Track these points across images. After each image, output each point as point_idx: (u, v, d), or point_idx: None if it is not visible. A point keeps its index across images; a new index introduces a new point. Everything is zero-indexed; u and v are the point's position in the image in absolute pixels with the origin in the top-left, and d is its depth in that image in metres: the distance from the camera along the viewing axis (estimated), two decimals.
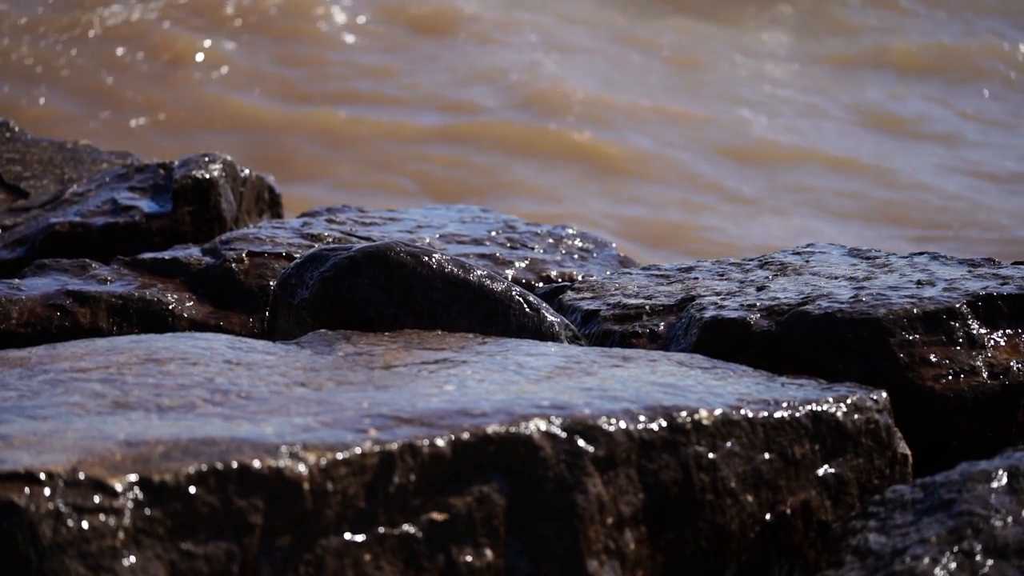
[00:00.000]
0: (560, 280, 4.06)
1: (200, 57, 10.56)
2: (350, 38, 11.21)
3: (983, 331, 3.08)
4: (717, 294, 3.34)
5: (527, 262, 4.14)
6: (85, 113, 9.81)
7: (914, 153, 10.58)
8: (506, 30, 11.64)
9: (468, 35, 11.48)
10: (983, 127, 11.16)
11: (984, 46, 12.38)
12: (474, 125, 10.24)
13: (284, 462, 2.21)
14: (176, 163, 4.58)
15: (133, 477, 2.14)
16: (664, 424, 2.49)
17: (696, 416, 2.52)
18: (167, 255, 3.99)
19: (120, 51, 10.50)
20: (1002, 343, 3.08)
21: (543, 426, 2.40)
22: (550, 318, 3.19)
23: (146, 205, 4.43)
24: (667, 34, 12.13)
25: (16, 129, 5.39)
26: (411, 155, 9.78)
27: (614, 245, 4.47)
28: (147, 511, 2.13)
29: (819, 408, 2.66)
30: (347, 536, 2.24)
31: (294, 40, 11.07)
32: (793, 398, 2.66)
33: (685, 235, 9.06)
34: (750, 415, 2.58)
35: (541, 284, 4.00)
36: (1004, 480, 2.56)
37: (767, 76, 11.66)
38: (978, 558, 2.39)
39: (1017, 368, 3.04)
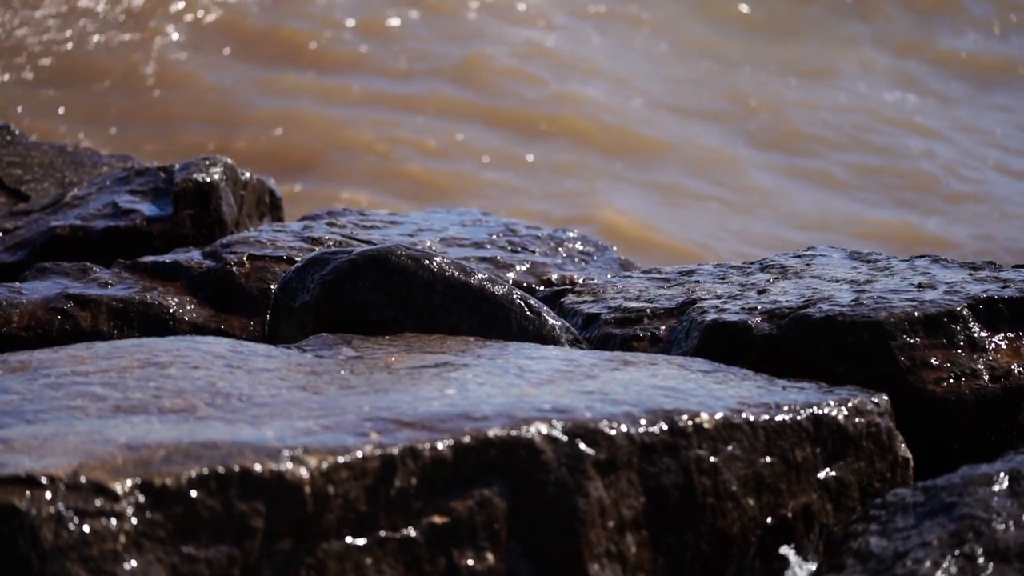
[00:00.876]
0: (561, 283, 4.06)
1: (176, 32, 10.53)
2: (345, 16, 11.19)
3: (984, 334, 3.08)
4: (718, 297, 3.34)
5: (528, 265, 4.14)
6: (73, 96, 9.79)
7: (918, 142, 10.58)
8: (507, 9, 11.60)
9: (467, 11, 11.45)
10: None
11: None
12: (455, 102, 10.22)
13: (285, 466, 2.21)
14: (177, 166, 4.58)
15: (134, 481, 2.14)
16: (665, 427, 2.49)
17: (697, 419, 2.52)
18: (168, 258, 3.99)
19: (102, 22, 10.48)
20: (1003, 346, 3.08)
21: (544, 429, 2.40)
22: (551, 321, 3.19)
23: (147, 208, 4.43)
24: (673, 17, 12.07)
25: (17, 133, 5.39)
26: (395, 133, 9.75)
27: (615, 248, 4.47)
28: (148, 515, 2.13)
29: (820, 411, 2.66)
30: (348, 540, 2.24)
31: (284, 12, 11.05)
32: (794, 401, 2.66)
33: (675, 231, 9.04)
34: (751, 418, 2.58)
35: (542, 287, 4.00)
36: (1005, 483, 2.56)
37: (766, 58, 11.63)
38: (979, 561, 2.39)
39: (1018, 371, 3.04)
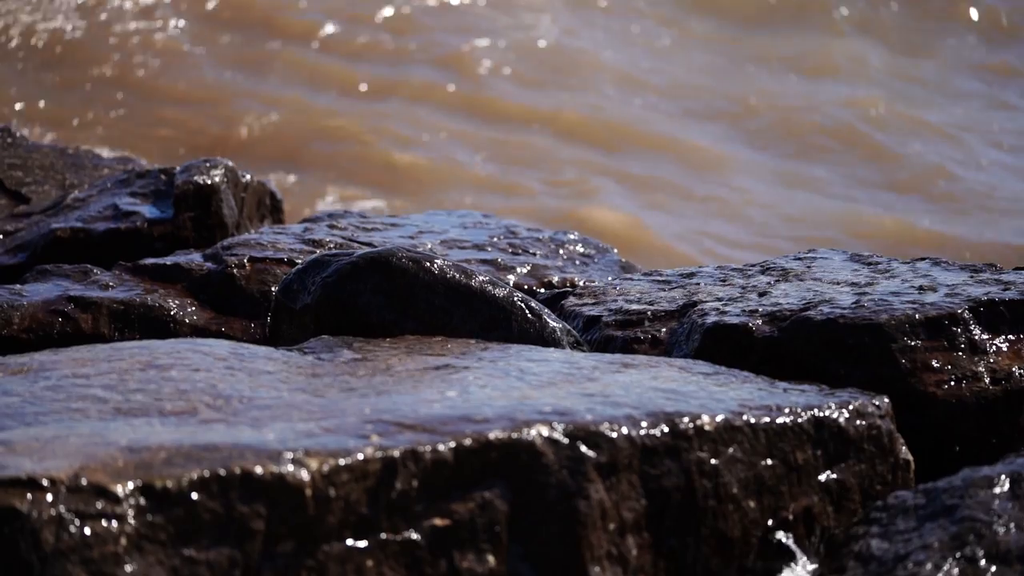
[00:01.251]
0: (562, 286, 4.06)
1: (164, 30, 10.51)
2: None
3: (985, 337, 3.08)
4: (719, 300, 3.34)
5: (529, 268, 4.14)
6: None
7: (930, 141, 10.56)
8: (507, 1, 11.58)
9: (466, 2, 11.43)
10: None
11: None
12: (452, 95, 10.20)
13: (286, 468, 2.21)
14: (177, 169, 4.58)
15: (135, 483, 2.14)
16: (666, 430, 2.49)
17: (698, 422, 2.52)
18: (169, 261, 3.99)
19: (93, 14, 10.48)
20: (1004, 348, 3.08)
21: (545, 432, 2.40)
22: (552, 324, 3.19)
23: (148, 211, 4.43)
24: (676, 11, 12.03)
25: (17, 135, 5.39)
26: (392, 126, 9.73)
27: (615, 250, 4.47)
28: (149, 517, 2.13)
29: (821, 414, 2.66)
30: (349, 542, 2.24)
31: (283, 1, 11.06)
32: (795, 404, 2.66)
33: (672, 230, 9.03)
34: (752, 421, 2.58)
35: (543, 290, 4.00)
36: (1006, 486, 2.56)
37: (766, 54, 11.61)
38: (981, 564, 2.39)
39: (1019, 374, 3.04)
